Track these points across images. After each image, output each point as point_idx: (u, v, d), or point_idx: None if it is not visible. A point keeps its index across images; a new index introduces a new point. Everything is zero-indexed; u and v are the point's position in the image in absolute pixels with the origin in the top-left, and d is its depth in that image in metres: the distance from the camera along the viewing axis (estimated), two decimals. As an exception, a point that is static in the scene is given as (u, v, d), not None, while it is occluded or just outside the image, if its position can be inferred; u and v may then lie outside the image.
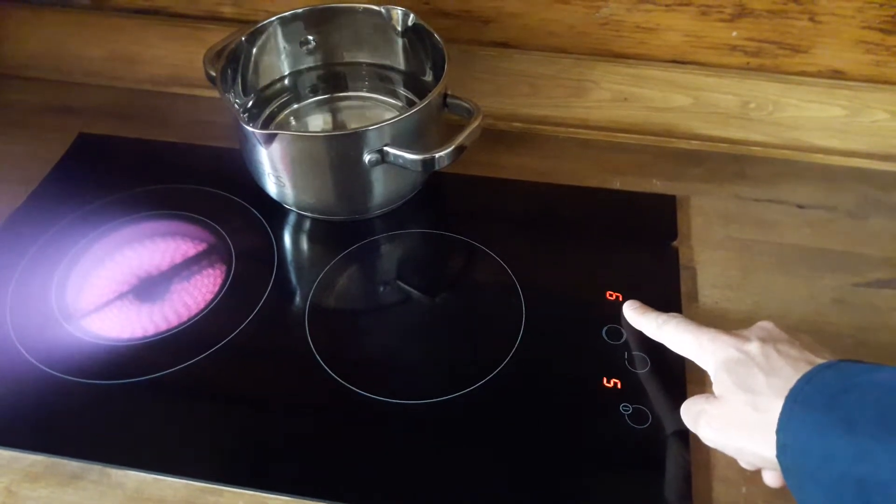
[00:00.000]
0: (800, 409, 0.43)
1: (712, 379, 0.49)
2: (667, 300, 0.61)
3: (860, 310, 0.62)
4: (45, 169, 0.73)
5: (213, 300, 0.62)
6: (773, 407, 0.44)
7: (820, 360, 0.45)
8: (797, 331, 0.50)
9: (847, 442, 0.39)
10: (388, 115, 0.72)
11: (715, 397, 0.48)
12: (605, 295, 0.62)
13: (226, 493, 0.51)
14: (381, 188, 0.65)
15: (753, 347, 0.48)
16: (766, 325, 0.50)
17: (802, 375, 0.44)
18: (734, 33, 0.72)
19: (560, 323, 0.61)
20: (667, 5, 0.72)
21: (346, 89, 0.77)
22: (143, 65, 0.83)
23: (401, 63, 0.74)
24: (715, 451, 0.50)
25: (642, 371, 0.57)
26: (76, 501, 0.51)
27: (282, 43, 0.72)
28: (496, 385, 0.56)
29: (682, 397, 0.55)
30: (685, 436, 0.52)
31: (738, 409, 0.46)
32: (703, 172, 0.74)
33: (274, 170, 0.63)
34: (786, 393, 0.43)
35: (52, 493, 0.51)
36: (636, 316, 0.58)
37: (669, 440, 0.53)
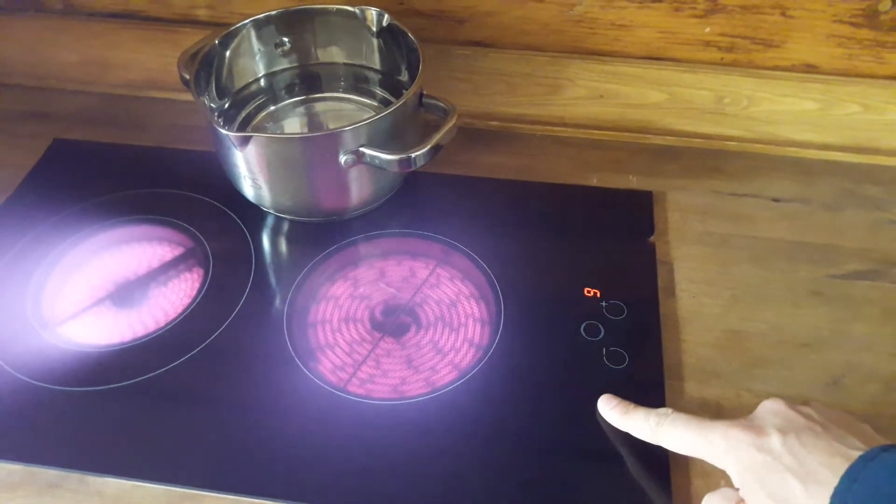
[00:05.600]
0: None
1: (736, 483, 0.46)
2: (644, 295, 0.62)
3: (837, 301, 0.63)
4: (19, 175, 0.73)
5: (190, 304, 0.62)
6: None
7: (853, 452, 0.42)
8: (807, 404, 0.47)
9: None
10: (364, 115, 0.72)
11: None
12: (583, 291, 0.62)
13: (206, 498, 0.51)
14: (358, 189, 0.65)
15: (775, 443, 0.44)
16: (775, 407, 0.47)
17: (845, 474, 0.41)
18: (707, 29, 0.73)
19: (538, 320, 0.61)
20: (640, 2, 0.72)
21: (321, 90, 0.77)
22: (117, 69, 0.82)
23: (376, 63, 0.74)
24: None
25: (620, 367, 0.57)
26: (54, 510, 0.51)
27: (256, 45, 0.72)
28: (475, 383, 0.57)
29: (661, 393, 0.55)
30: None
31: None
32: (679, 168, 0.75)
33: (250, 172, 0.63)
34: (827, 500, 0.41)
35: (30, 503, 0.51)
36: (619, 417, 0.53)
37: (648, 435, 0.54)
